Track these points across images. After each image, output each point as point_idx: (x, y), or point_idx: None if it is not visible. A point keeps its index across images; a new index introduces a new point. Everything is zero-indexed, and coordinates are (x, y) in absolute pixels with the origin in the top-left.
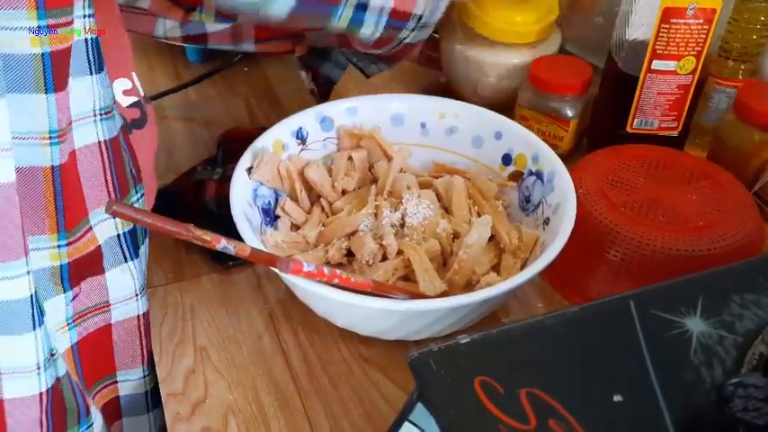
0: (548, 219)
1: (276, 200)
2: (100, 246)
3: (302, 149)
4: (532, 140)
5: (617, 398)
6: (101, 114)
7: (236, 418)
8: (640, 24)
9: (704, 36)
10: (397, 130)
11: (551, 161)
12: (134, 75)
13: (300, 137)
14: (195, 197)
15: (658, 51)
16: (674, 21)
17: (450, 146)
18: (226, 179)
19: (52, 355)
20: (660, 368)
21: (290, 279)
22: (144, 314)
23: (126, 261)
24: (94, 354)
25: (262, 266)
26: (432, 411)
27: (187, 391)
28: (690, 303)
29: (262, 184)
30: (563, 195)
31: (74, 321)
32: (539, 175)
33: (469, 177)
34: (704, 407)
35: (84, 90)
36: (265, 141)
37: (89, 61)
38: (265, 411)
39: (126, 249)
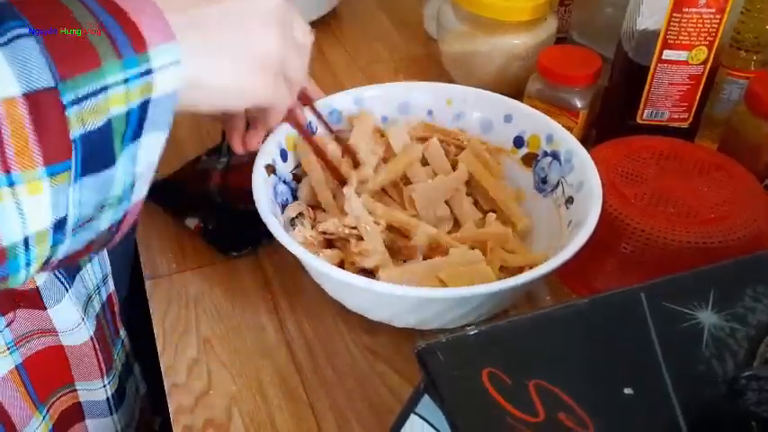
0: (570, 198)
1: (293, 196)
2: (37, 287)
3: None
4: (544, 121)
5: (627, 390)
6: None
7: (239, 410)
8: (651, 14)
9: (716, 26)
10: (404, 118)
11: (567, 140)
12: None
13: (311, 130)
14: (200, 186)
15: (669, 41)
16: (686, 10)
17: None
18: (230, 168)
19: None
20: (671, 361)
21: (311, 264)
22: (95, 333)
23: (67, 291)
24: (46, 369)
25: (265, 256)
26: (438, 403)
27: (190, 383)
28: (701, 296)
29: (281, 181)
30: (584, 173)
31: (15, 344)
32: (555, 155)
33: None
34: (716, 400)
35: None
36: (279, 137)
37: None
38: (269, 403)
39: (63, 280)
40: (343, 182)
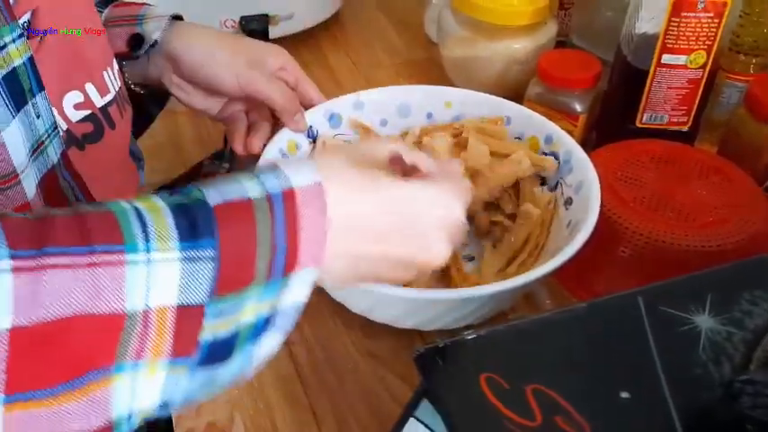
0: (569, 198)
1: None
2: None
3: (313, 148)
4: (543, 122)
5: (624, 394)
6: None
7: (241, 414)
8: (650, 18)
9: (715, 30)
10: (403, 122)
11: (565, 141)
12: (90, 85)
13: (311, 135)
14: None
15: (668, 45)
16: (685, 14)
17: None
18: (233, 172)
19: None
20: (668, 365)
21: None
22: None
23: None
24: None
25: None
26: (437, 407)
27: None
28: (698, 300)
29: None
30: (583, 173)
31: None
32: (554, 156)
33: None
34: (712, 403)
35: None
36: (280, 143)
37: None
38: (271, 406)
39: None
40: None
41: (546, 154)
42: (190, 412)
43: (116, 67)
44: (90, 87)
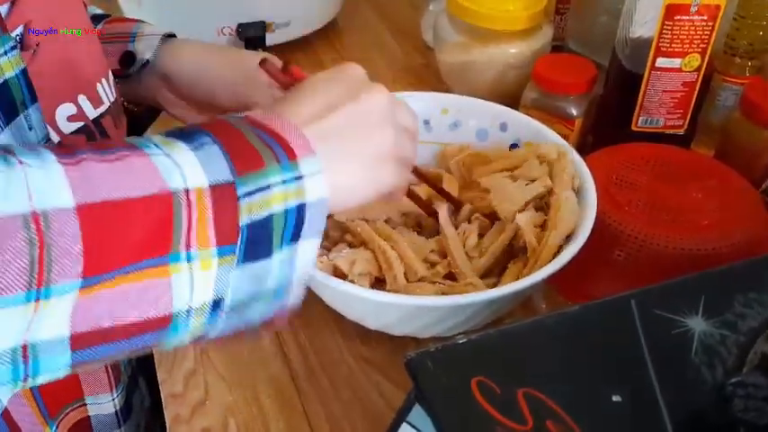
0: None
1: None
2: None
3: None
4: (539, 128)
5: (616, 398)
6: None
7: (235, 420)
8: (644, 22)
9: (708, 33)
10: None
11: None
12: (83, 97)
13: None
14: None
15: (662, 48)
16: (678, 18)
17: (456, 140)
18: None
19: None
20: (660, 368)
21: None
22: None
23: None
24: (58, 385)
25: None
26: (429, 412)
27: (187, 393)
28: (692, 302)
29: None
30: (580, 179)
31: None
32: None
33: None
34: (705, 407)
35: None
36: None
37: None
38: (265, 413)
39: None
40: (434, 214)
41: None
42: (184, 419)
43: (111, 77)
44: (83, 99)
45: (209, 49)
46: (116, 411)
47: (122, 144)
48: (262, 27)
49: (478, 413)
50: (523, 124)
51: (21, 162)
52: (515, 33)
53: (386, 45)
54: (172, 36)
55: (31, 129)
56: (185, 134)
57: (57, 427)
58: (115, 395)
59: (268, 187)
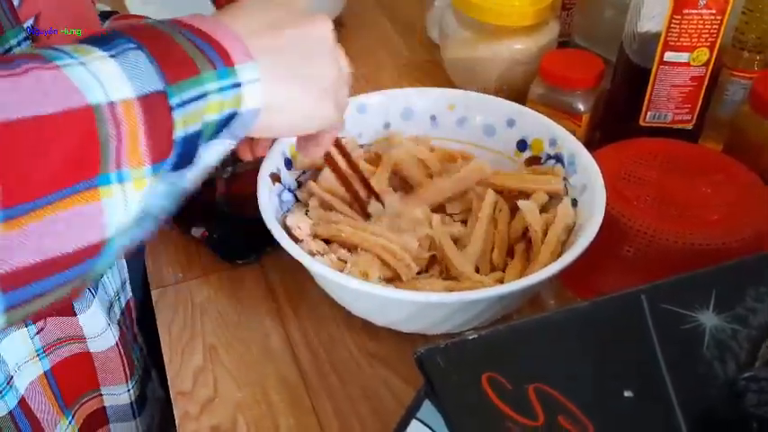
0: (574, 200)
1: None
2: None
3: None
4: (547, 124)
5: (627, 393)
6: None
7: (244, 416)
8: (652, 16)
9: (717, 27)
10: (406, 125)
11: (570, 143)
12: None
13: None
14: (205, 195)
15: (671, 43)
16: (687, 11)
17: (462, 136)
18: (235, 177)
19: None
20: (672, 363)
21: (315, 270)
22: (119, 338)
23: (94, 297)
24: (74, 375)
25: (270, 264)
26: (439, 408)
27: (196, 390)
28: (703, 297)
29: (286, 189)
30: (588, 175)
31: (44, 351)
32: (558, 158)
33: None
34: (717, 402)
35: None
36: (283, 146)
37: None
38: (274, 409)
39: (90, 287)
40: (365, 211)
41: (550, 156)
42: (193, 416)
43: None
44: None
45: None
46: (131, 402)
47: (28, 56)
48: None
49: (490, 409)
50: (531, 120)
51: None
52: (522, 29)
53: (391, 41)
54: None
55: None
56: (102, 39)
57: (73, 417)
58: (130, 386)
59: (204, 95)
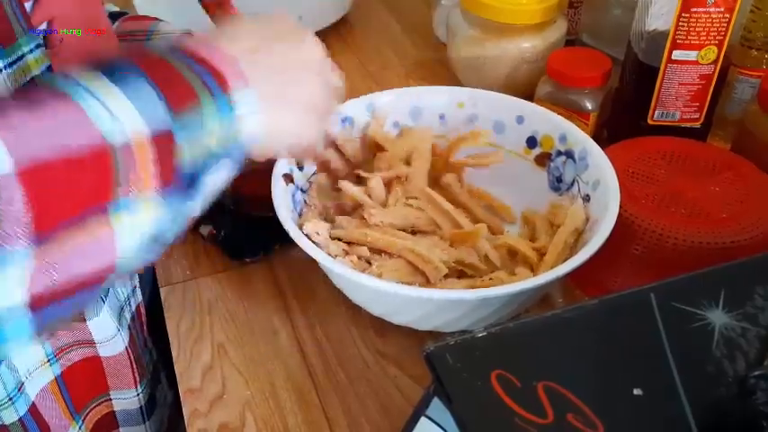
0: (587, 195)
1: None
2: None
3: None
4: (557, 120)
5: (637, 391)
6: None
7: (253, 414)
8: (660, 14)
9: (725, 25)
10: (416, 124)
11: (580, 139)
12: None
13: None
14: None
15: (679, 41)
16: (695, 10)
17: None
18: (243, 176)
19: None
20: (681, 361)
21: (334, 270)
22: (129, 343)
23: (104, 303)
24: (84, 380)
25: (278, 262)
26: (448, 405)
27: (205, 387)
28: (712, 296)
29: (298, 190)
30: (600, 170)
31: (55, 356)
32: (569, 154)
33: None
34: (726, 400)
35: None
36: None
37: None
38: (282, 407)
39: (101, 294)
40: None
41: (561, 152)
42: (202, 413)
43: None
44: None
45: None
46: (141, 407)
47: (50, 93)
48: None
49: (499, 406)
50: (541, 117)
51: None
52: (529, 27)
53: (398, 40)
54: (189, 34)
55: None
56: (113, 69)
57: (83, 422)
58: (139, 390)
59: (205, 124)
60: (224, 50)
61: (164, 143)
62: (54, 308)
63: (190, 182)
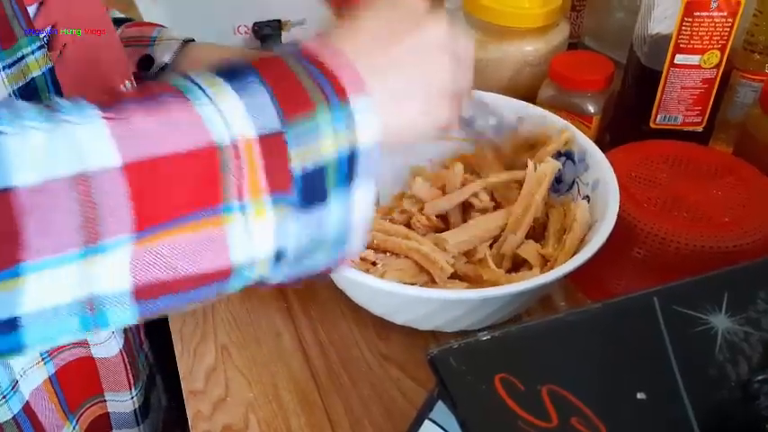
0: (587, 196)
1: None
2: None
3: None
4: (557, 122)
5: (640, 395)
6: None
7: (256, 416)
8: (663, 18)
9: (728, 29)
10: None
11: (580, 140)
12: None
13: None
14: None
15: (681, 45)
16: (698, 14)
17: (473, 136)
18: None
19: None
20: (684, 365)
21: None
22: (124, 345)
23: None
24: (78, 380)
25: None
26: (453, 409)
27: (208, 389)
28: (715, 300)
29: None
30: (599, 171)
31: (49, 356)
32: (568, 155)
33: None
34: (729, 404)
35: None
36: None
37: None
38: (285, 409)
39: None
40: None
41: (560, 153)
42: (206, 415)
43: (132, 80)
44: None
45: (228, 52)
46: (135, 410)
47: (166, 89)
48: (277, 25)
49: (503, 410)
50: (541, 118)
51: (64, 120)
52: (531, 31)
53: None
54: (192, 42)
55: None
56: (233, 73)
57: (77, 422)
58: (134, 393)
59: (318, 133)
60: (343, 54)
61: (273, 144)
62: (162, 300)
63: (309, 190)
